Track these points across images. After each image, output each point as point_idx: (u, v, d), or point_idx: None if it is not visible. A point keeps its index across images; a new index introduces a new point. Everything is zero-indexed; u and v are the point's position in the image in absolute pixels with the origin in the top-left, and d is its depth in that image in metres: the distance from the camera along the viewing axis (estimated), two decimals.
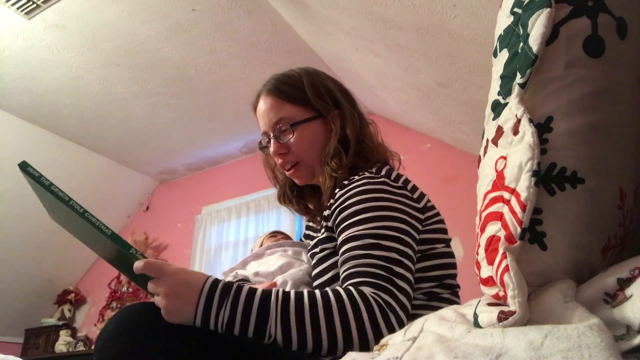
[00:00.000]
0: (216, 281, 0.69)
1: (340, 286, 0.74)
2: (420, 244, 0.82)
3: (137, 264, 0.68)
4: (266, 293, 0.69)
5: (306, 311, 0.67)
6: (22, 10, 2.39)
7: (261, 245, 1.30)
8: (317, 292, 0.70)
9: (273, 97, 0.98)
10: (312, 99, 0.96)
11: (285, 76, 1.00)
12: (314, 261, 0.89)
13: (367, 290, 0.69)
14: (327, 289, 0.71)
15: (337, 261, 0.83)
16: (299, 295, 0.69)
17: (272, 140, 0.98)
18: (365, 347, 0.65)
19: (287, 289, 0.93)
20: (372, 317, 0.66)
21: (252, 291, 0.69)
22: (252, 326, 0.66)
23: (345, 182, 0.86)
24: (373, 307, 0.67)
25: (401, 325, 0.67)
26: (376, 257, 0.72)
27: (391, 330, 0.65)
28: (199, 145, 3.79)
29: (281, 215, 3.40)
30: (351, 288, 0.69)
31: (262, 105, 1.00)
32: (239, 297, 0.67)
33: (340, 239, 0.79)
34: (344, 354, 0.64)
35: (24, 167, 0.71)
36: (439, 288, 0.83)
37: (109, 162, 3.89)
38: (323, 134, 0.97)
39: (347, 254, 0.76)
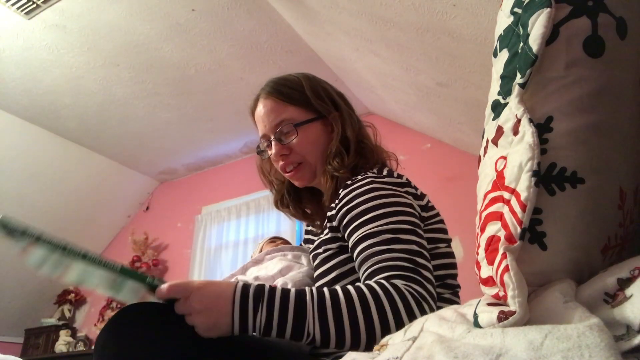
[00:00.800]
0: (246, 287, 0.68)
1: (363, 282, 0.74)
2: None
3: (161, 291, 0.66)
4: (301, 292, 0.68)
5: (343, 307, 0.66)
6: (22, 10, 2.39)
7: (260, 251, 1.31)
8: (350, 287, 0.69)
9: (274, 99, 0.98)
10: (312, 101, 0.97)
11: (284, 79, 1.01)
12: (317, 261, 0.89)
13: (399, 282, 0.68)
14: (360, 284, 0.70)
15: (340, 261, 0.83)
16: (333, 292, 0.68)
17: (273, 143, 0.98)
18: None
19: None
20: (408, 308, 0.66)
21: (286, 291, 0.68)
22: (290, 326, 0.65)
23: (349, 182, 0.86)
24: (408, 298, 0.66)
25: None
26: (398, 251, 0.72)
27: None
28: (199, 145, 3.79)
29: (281, 215, 3.37)
30: (383, 281, 0.69)
31: (262, 108, 0.99)
32: (273, 299, 0.67)
33: (353, 239, 0.79)
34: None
35: (4, 223, 0.61)
36: (440, 288, 0.83)
37: (109, 162, 3.89)
38: (324, 135, 0.98)
39: (366, 252, 0.75)
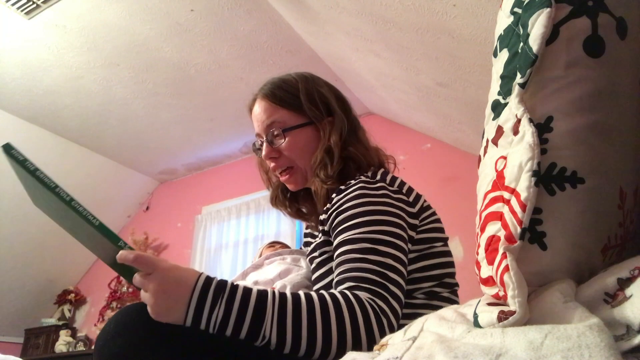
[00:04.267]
0: (209, 279, 0.67)
1: (335, 288, 0.74)
2: (418, 243, 0.83)
3: (126, 255, 0.65)
4: (262, 292, 0.67)
5: (303, 313, 0.66)
6: (22, 10, 2.39)
7: (260, 255, 1.32)
8: (314, 294, 0.69)
9: (267, 101, 0.99)
10: (305, 106, 0.98)
11: (282, 81, 1.01)
12: (314, 265, 0.90)
13: (363, 295, 0.69)
14: (324, 291, 0.71)
15: None
16: (296, 297, 0.68)
17: (264, 144, 0.99)
18: (356, 350, 0.65)
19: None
20: (367, 322, 0.66)
21: (248, 290, 0.67)
22: (247, 327, 0.64)
23: (342, 187, 0.86)
24: (369, 312, 0.67)
25: (392, 330, 0.67)
26: (372, 262, 0.72)
27: (383, 335, 0.65)
28: (199, 145, 3.79)
29: (281, 215, 3.36)
30: (347, 292, 0.69)
31: (257, 108, 1.01)
32: (234, 295, 0.66)
33: (336, 242, 0.79)
34: (336, 356, 0.64)
35: (8, 149, 0.66)
36: (439, 287, 0.83)
37: (109, 162, 3.89)
38: (314, 141, 0.98)
39: (342, 257, 0.76)
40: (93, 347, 1.29)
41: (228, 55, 2.80)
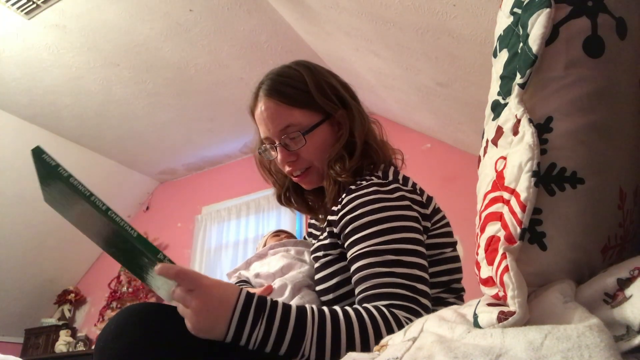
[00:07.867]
0: (249, 296, 0.67)
1: (362, 302, 0.72)
2: (429, 249, 0.80)
3: (167, 269, 0.63)
4: (302, 311, 0.67)
5: (342, 333, 0.65)
6: (22, 10, 2.39)
7: (264, 244, 1.29)
8: (352, 313, 0.68)
9: (277, 102, 0.90)
10: (318, 100, 0.90)
11: (286, 76, 0.92)
12: (318, 265, 0.87)
13: (400, 314, 0.67)
14: (360, 308, 0.69)
15: (342, 267, 0.81)
16: (334, 315, 0.67)
17: (279, 149, 0.92)
18: None
19: (286, 293, 0.92)
20: None
21: (287, 308, 0.67)
22: (286, 344, 0.64)
23: (352, 187, 0.82)
24: None
25: None
26: (399, 276, 0.71)
27: None
28: (199, 145, 3.79)
29: (281, 214, 3.40)
30: (384, 310, 0.68)
31: (264, 110, 0.91)
32: (274, 314, 0.66)
33: (353, 252, 0.76)
34: None
35: (39, 153, 0.62)
36: (445, 293, 0.83)
37: (109, 162, 3.89)
38: (331, 136, 0.93)
39: (366, 271, 0.73)
40: (93, 347, 1.29)
41: (228, 55, 2.80)
